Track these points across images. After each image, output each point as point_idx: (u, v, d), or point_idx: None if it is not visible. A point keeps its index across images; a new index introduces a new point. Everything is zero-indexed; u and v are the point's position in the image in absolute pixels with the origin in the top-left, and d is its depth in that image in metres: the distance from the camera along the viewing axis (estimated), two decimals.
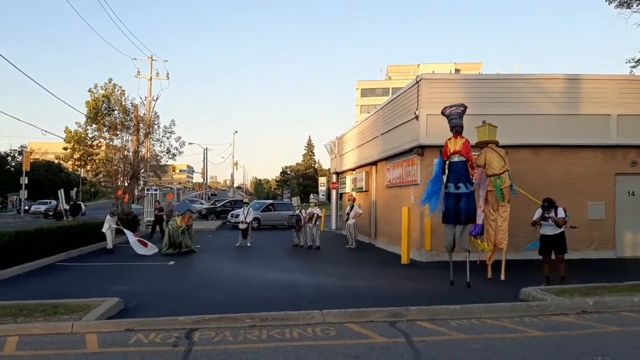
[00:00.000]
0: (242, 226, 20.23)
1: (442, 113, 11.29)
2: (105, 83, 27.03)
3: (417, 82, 15.22)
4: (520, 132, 14.35)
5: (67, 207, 30.64)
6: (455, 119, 10.98)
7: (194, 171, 79.53)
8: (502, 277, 11.29)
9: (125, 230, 18.16)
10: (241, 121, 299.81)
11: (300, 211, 19.91)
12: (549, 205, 10.71)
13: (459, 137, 10.88)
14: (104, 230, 17.70)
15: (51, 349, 6.20)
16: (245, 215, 20.18)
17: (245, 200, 23.69)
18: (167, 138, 30.00)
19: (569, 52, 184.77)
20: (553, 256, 10.93)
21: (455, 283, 10.70)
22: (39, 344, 6.40)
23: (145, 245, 16.93)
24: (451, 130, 11.02)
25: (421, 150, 15.17)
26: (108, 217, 17.98)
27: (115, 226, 17.93)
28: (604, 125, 15.17)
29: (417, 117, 15.02)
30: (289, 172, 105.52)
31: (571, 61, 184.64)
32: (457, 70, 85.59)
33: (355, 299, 9.07)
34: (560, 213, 10.60)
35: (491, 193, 11.65)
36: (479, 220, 11.43)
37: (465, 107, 11.10)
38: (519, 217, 12.38)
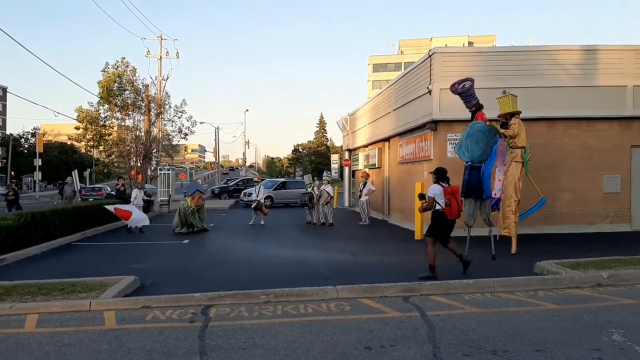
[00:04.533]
0: (253, 205, 20.32)
1: (454, 91, 11.16)
2: (117, 61, 27.08)
3: (430, 56, 15.00)
4: (535, 105, 14.08)
5: (79, 188, 30.75)
6: (472, 97, 10.96)
7: (205, 150, 79.64)
8: (513, 250, 11.20)
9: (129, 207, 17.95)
10: (252, 100, 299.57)
11: (313, 189, 19.93)
12: (436, 172, 8.94)
13: (482, 113, 10.89)
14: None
15: (70, 326, 6.31)
16: (257, 193, 20.28)
17: (255, 178, 23.73)
18: (179, 118, 30.20)
19: (583, 23, 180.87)
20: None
21: (468, 257, 10.54)
22: (58, 322, 6.52)
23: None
24: (477, 107, 11.00)
25: (434, 125, 15.02)
26: (135, 190, 17.87)
27: (142, 202, 17.46)
28: (620, 96, 14.89)
29: (430, 92, 14.85)
30: (301, 150, 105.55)
31: (585, 32, 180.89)
32: (470, 43, 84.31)
33: (369, 274, 9.08)
34: (431, 192, 8.77)
35: (517, 165, 11.12)
36: (497, 194, 11.31)
37: (472, 80, 10.99)
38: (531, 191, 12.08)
